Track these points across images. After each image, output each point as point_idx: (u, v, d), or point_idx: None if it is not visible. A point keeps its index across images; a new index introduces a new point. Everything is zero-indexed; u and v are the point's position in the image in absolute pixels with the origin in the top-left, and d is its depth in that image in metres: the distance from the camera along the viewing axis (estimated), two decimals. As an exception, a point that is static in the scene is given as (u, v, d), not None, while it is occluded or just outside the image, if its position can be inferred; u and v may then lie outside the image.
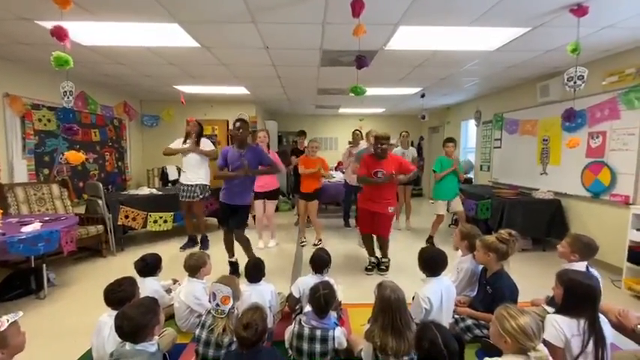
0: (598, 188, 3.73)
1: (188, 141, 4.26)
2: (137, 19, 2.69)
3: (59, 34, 2.07)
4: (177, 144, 4.33)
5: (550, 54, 3.56)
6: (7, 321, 1.39)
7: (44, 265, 3.01)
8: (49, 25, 2.30)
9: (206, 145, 4.30)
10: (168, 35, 3.04)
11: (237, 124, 3.23)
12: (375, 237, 3.63)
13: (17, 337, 1.45)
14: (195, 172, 4.27)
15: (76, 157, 2.38)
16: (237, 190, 3.29)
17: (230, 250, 3.47)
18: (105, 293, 1.90)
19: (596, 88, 3.73)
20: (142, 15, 2.61)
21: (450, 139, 4.50)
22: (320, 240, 4.56)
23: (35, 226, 2.81)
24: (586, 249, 2.22)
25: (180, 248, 4.37)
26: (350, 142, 5.58)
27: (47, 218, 3.21)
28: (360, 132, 5.47)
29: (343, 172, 5.71)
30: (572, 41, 2.57)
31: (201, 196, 4.29)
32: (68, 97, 2.25)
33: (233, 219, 3.32)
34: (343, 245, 4.58)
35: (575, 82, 2.63)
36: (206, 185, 4.36)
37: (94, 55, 3.65)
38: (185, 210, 4.41)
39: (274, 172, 3.59)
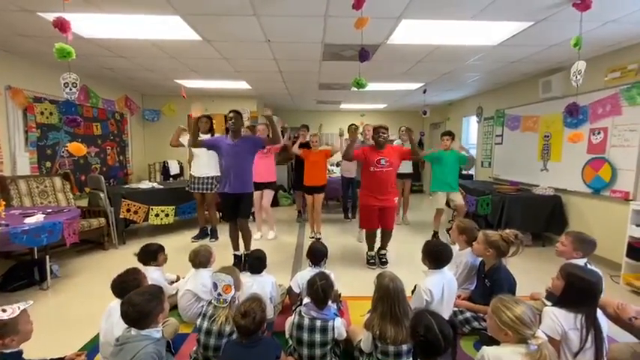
0: (598, 184, 3.74)
1: (202, 135, 4.31)
2: (139, 11, 2.68)
3: (61, 25, 2.08)
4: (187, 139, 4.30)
5: (553, 49, 3.55)
6: (19, 308, 1.42)
7: (47, 257, 3.04)
8: (51, 16, 2.30)
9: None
10: (169, 28, 3.04)
11: (231, 114, 3.27)
12: (379, 231, 3.62)
13: (27, 324, 1.48)
14: (207, 165, 4.33)
15: (78, 148, 2.40)
16: (239, 176, 3.27)
17: (235, 244, 3.49)
18: (113, 285, 1.90)
19: (598, 84, 3.72)
20: (143, 7, 2.61)
21: (447, 133, 4.49)
22: (319, 233, 4.57)
23: (38, 218, 2.83)
24: (588, 246, 2.22)
25: (192, 239, 4.44)
26: (346, 139, 5.61)
27: (50, 210, 3.23)
28: (357, 126, 5.52)
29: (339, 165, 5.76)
30: (575, 36, 2.56)
31: (215, 189, 4.33)
32: (70, 89, 2.25)
33: (239, 208, 3.31)
34: (343, 239, 4.60)
35: (577, 77, 2.63)
36: (219, 176, 4.40)
37: (95, 48, 3.64)
38: (199, 202, 4.47)
39: (277, 139, 3.36)
